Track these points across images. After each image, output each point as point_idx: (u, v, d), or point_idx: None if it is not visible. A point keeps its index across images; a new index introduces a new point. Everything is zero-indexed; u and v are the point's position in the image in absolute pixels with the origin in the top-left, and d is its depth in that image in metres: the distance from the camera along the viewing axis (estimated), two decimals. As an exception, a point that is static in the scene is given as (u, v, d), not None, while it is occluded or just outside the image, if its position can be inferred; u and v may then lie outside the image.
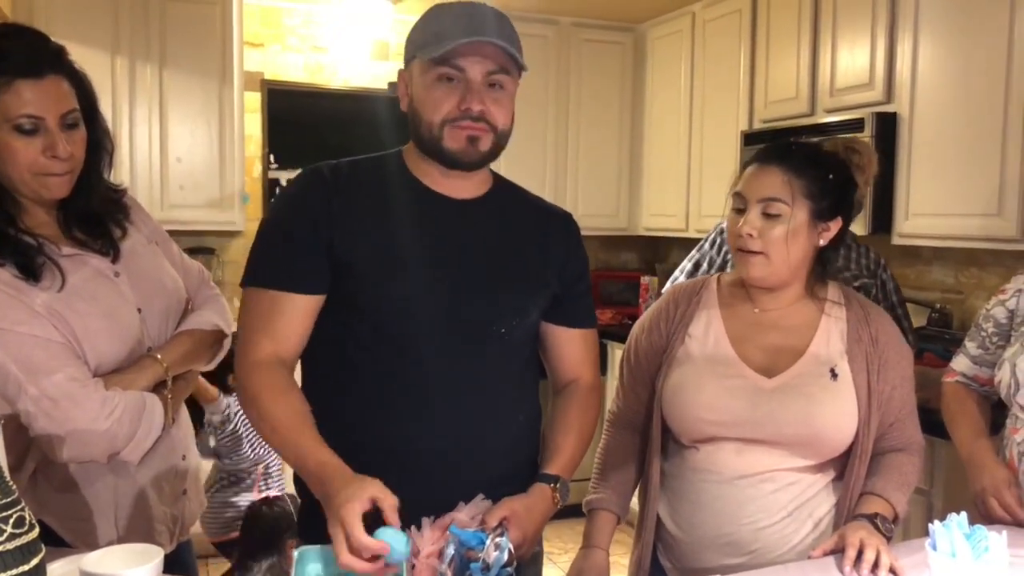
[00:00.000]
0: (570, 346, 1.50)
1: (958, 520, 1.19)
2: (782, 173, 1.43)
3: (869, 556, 1.28)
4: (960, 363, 1.84)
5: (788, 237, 1.43)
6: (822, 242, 1.48)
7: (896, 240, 2.97)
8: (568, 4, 4.18)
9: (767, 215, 1.43)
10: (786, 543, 1.44)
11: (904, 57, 2.91)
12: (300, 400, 1.29)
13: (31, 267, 1.30)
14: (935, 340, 2.95)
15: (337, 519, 1.10)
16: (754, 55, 3.65)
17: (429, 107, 1.31)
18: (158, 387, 1.41)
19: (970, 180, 2.68)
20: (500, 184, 1.48)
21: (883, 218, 2.97)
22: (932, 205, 2.83)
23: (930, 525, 1.20)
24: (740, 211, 1.47)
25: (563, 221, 1.52)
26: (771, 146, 1.51)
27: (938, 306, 3.16)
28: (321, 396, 1.34)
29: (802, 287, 1.52)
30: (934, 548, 1.18)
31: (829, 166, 1.47)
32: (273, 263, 1.33)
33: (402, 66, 1.38)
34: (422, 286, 1.33)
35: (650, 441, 1.56)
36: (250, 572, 2.63)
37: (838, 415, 1.44)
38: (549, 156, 4.40)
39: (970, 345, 1.82)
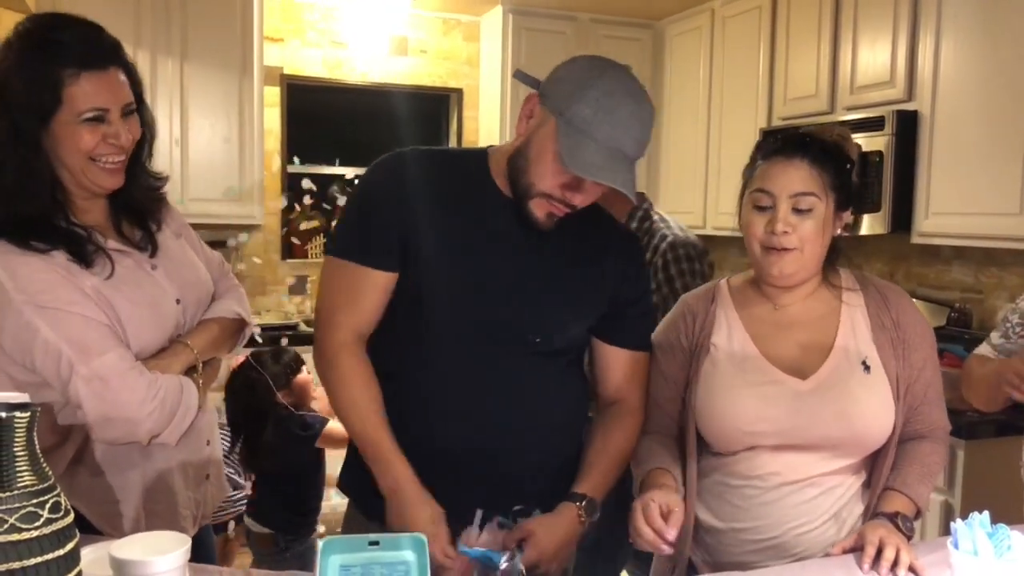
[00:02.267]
0: (615, 364, 1.50)
1: (980, 519, 1.18)
2: (808, 166, 1.40)
3: (888, 555, 1.27)
4: (981, 350, 1.84)
5: (820, 230, 1.41)
6: (838, 231, 1.46)
7: (916, 239, 2.96)
8: (587, 0, 4.16)
9: (797, 210, 1.40)
10: (828, 546, 1.41)
11: (926, 54, 2.89)
12: (380, 394, 1.39)
13: (82, 254, 1.33)
14: (955, 340, 2.93)
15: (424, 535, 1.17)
16: (774, 52, 3.64)
17: (540, 172, 1.33)
18: (189, 372, 1.44)
19: (991, 179, 2.66)
20: None
21: (903, 217, 2.96)
22: (952, 204, 2.81)
23: (952, 524, 1.19)
24: (762, 209, 1.42)
25: (626, 245, 1.53)
26: (787, 138, 1.45)
27: (957, 305, 3.14)
28: None
29: (819, 279, 1.50)
30: (956, 547, 1.17)
31: (844, 156, 1.45)
32: (354, 237, 1.41)
33: (536, 92, 1.35)
34: (472, 285, 1.36)
35: (684, 450, 1.50)
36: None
37: (877, 410, 1.41)
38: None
39: (994, 335, 1.82)
